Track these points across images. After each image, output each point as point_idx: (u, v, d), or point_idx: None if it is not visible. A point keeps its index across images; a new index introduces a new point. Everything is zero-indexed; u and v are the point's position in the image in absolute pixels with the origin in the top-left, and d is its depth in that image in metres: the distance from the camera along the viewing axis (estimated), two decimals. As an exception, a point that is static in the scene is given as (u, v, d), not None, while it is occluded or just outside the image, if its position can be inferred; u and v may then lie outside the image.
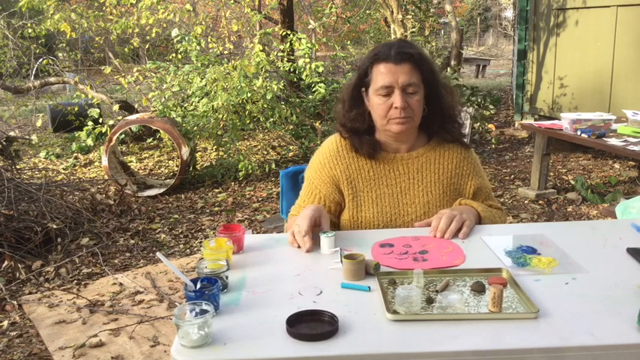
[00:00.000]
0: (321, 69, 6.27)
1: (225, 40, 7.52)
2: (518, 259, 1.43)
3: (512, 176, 5.61)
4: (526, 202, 4.85)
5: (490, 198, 1.90)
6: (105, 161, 5.23)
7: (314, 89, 6.38)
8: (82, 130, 6.43)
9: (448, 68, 8.41)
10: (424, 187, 1.80)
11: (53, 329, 2.90)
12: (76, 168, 6.45)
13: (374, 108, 1.75)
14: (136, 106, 7.65)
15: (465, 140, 1.88)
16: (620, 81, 5.81)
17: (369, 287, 1.30)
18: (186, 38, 6.28)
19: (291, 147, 6.83)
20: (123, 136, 6.64)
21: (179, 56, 6.53)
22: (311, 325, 1.14)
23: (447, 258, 1.46)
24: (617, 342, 1.07)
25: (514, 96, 7.51)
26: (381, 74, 1.70)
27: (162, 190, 5.33)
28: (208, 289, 1.19)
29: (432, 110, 1.78)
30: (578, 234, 1.66)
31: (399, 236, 1.63)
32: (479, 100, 7.15)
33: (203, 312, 1.11)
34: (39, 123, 7.21)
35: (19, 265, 3.54)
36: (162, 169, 6.42)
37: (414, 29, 7.50)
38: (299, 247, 1.57)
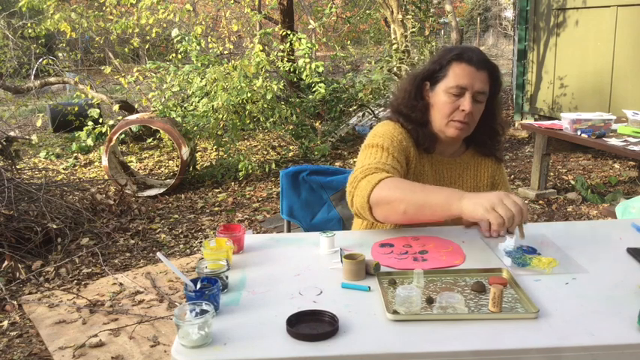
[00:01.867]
0: (321, 69, 6.27)
1: (225, 40, 7.52)
2: (519, 259, 1.43)
3: (513, 176, 5.61)
4: (526, 202, 4.85)
5: None
6: (105, 161, 5.23)
7: (314, 89, 6.38)
8: (82, 130, 6.42)
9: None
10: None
11: (53, 329, 2.90)
12: (76, 168, 6.45)
13: (438, 105, 1.74)
14: (136, 106, 7.64)
15: (499, 155, 1.90)
16: (620, 81, 5.81)
17: (369, 287, 1.30)
18: (186, 38, 6.27)
19: (291, 147, 6.84)
20: (123, 136, 6.65)
21: (179, 56, 6.53)
22: (311, 325, 1.14)
23: (447, 258, 1.46)
24: (616, 342, 1.07)
25: (514, 96, 7.51)
26: (459, 74, 1.69)
27: (162, 190, 5.33)
28: (208, 289, 1.19)
29: (484, 123, 1.79)
30: (578, 234, 1.66)
31: (399, 236, 1.63)
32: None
33: (203, 312, 1.11)
34: (39, 123, 7.21)
35: (19, 265, 3.54)
36: (162, 169, 6.42)
37: (414, 29, 7.50)
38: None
